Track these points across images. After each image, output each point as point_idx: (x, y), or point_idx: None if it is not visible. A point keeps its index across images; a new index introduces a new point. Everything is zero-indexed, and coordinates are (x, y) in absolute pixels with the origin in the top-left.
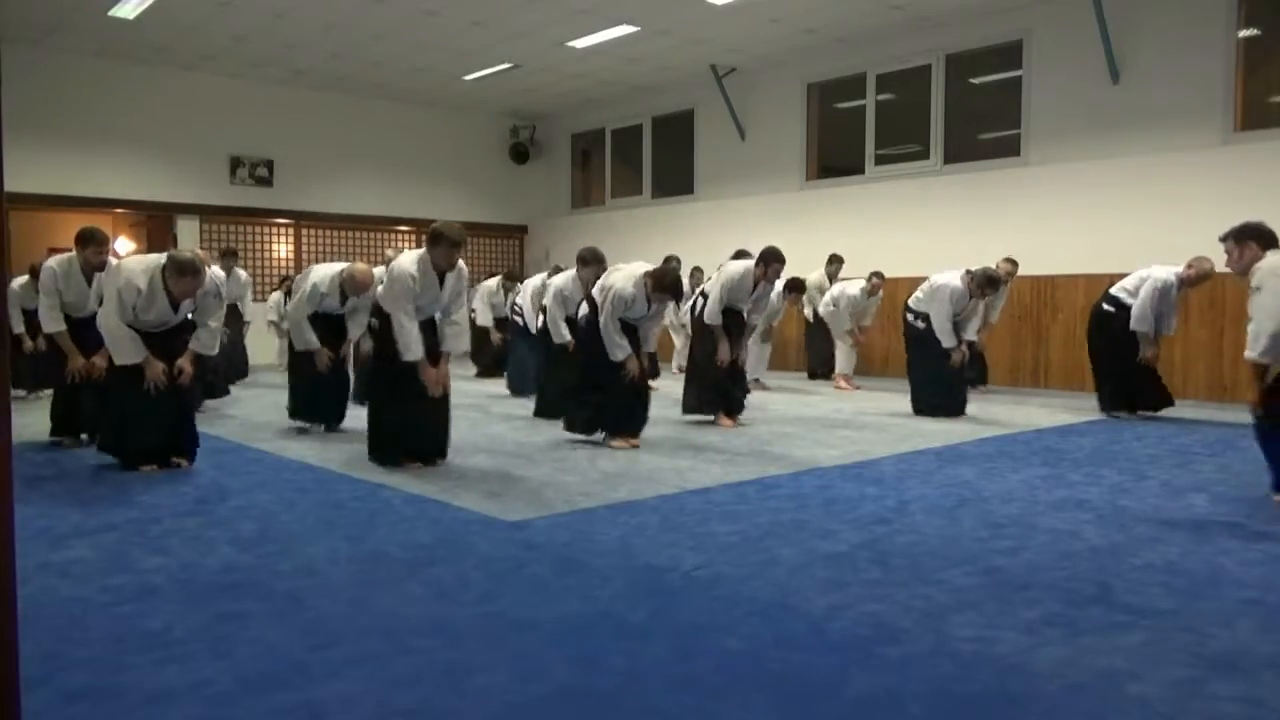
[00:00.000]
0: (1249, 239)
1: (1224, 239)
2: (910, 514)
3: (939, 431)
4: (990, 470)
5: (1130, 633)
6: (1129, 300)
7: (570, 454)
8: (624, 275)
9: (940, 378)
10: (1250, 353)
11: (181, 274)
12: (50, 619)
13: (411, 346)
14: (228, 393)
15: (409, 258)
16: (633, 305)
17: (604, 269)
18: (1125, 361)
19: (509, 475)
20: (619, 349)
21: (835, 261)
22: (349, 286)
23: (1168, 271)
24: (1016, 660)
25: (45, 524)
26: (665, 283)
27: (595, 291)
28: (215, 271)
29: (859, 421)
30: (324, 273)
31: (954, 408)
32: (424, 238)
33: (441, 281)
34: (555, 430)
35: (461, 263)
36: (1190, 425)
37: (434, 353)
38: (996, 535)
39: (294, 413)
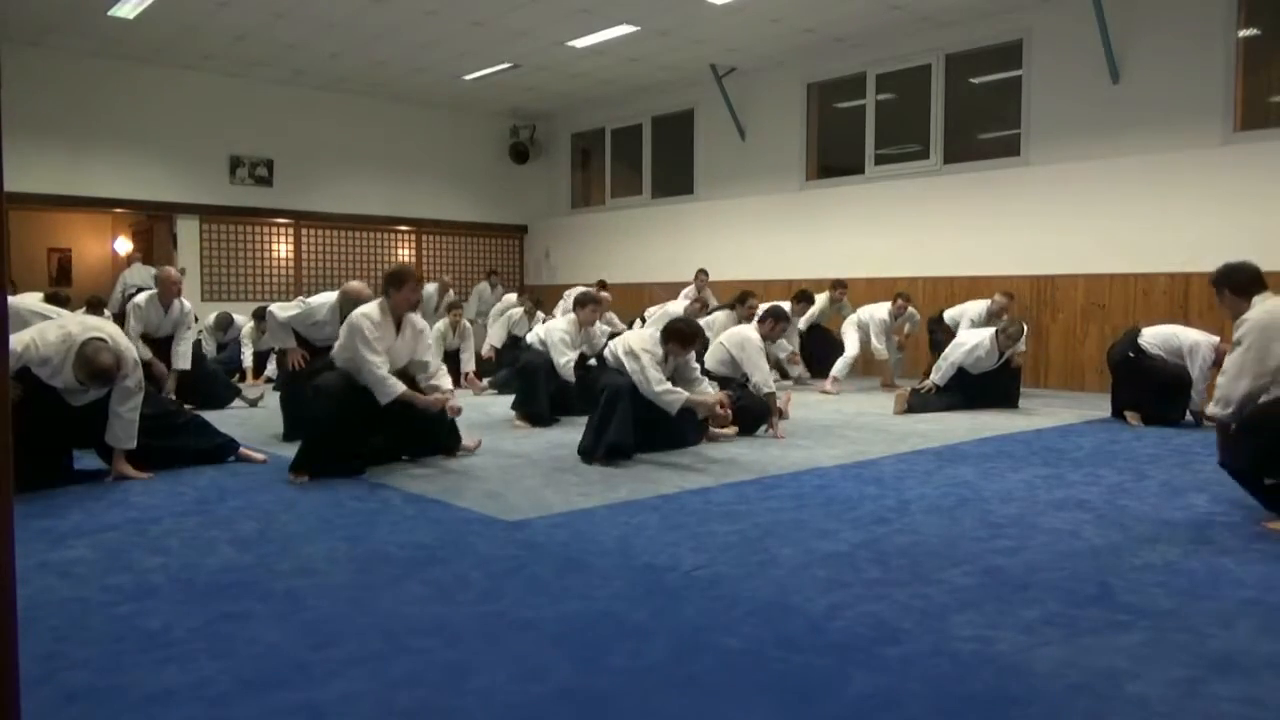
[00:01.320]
0: (1223, 286)
1: (1213, 283)
2: (910, 514)
3: (938, 431)
4: (990, 470)
5: (1130, 633)
6: (1155, 352)
7: (570, 454)
8: (638, 337)
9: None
10: (1217, 410)
11: (91, 378)
12: (50, 619)
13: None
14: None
15: (369, 306)
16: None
17: (602, 308)
18: (1147, 384)
19: (509, 475)
20: (672, 395)
21: (839, 287)
22: (350, 306)
23: (1206, 340)
24: (1016, 660)
25: (45, 524)
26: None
27: (615, 354)
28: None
29: (858, 422)
30: (321, 301)
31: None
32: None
33: (398, 329)
34: (555, 430)
35: (415, 315)
36: (1190, 425)
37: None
38: (996, 535)
39: (288, 436)
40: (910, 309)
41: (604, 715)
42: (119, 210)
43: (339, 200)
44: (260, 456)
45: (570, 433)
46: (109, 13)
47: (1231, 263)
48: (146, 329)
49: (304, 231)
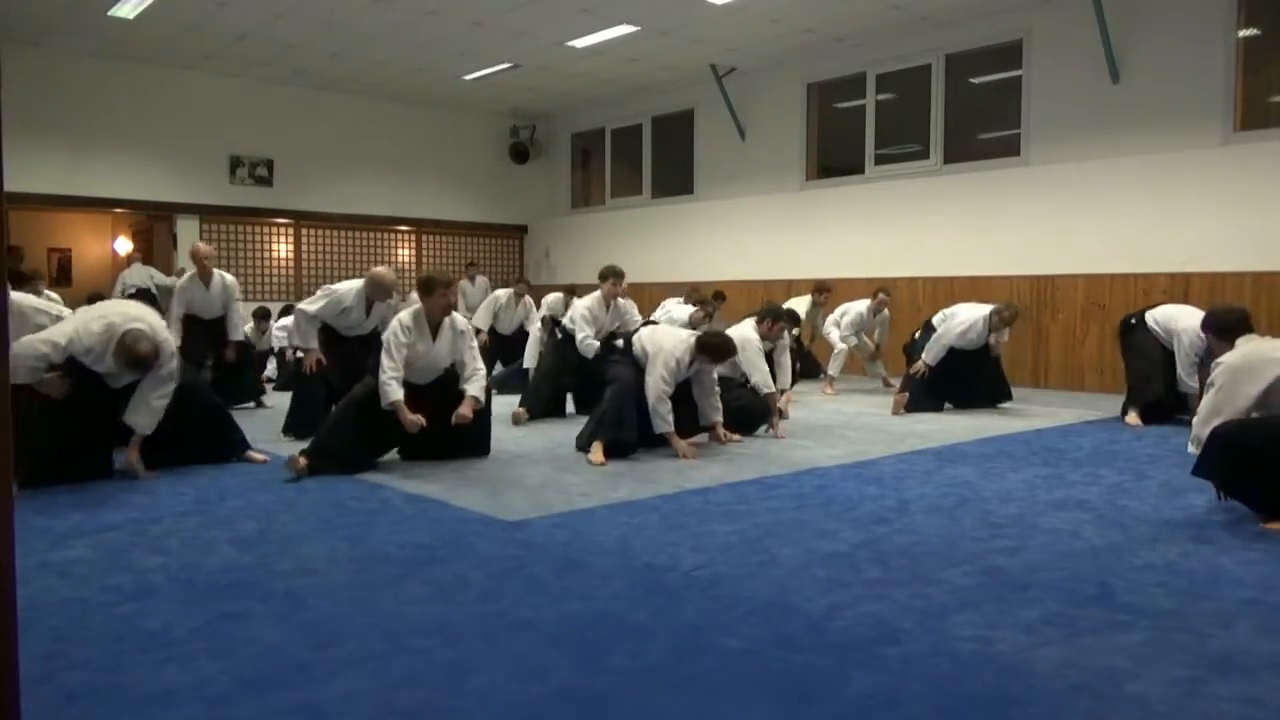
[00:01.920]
0: (1207, 329)
1: (1201, 325)
2: (910, 514)
3: (938, 432)
4: (990, 470)
5: (1130, 633)
6: (1155, 328)
7: (570, 454)
8: (671, 339)
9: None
10: (1192, 448)
11: (129, 365)
12: (50, 619)
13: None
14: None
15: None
16: (681, 371)
17: (622, 280)
18: (1138, 365)
19: (509, 475)
20: (662, 420)
21: (823, 291)
22: (374, 292)
23: (1195, 328)
24: (1016, 660)
25: (45, 524)
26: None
27: (641, 345)
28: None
29: (858, 422)
30: (347, 287)
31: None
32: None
33: (435, 334)
34: (555, 430)
35: (459, 316)
36: (1190, 425)
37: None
38: (996, 535)
39: (287, 428)
40: (886, 311)
41: (604, 715)
42: (119, 210)
43: (339, 200)
44: (261, 457)
45: (570, 432)
46: (109, 13)
47: (1218, 306)
48: (192, 310)
49: (304, 231)
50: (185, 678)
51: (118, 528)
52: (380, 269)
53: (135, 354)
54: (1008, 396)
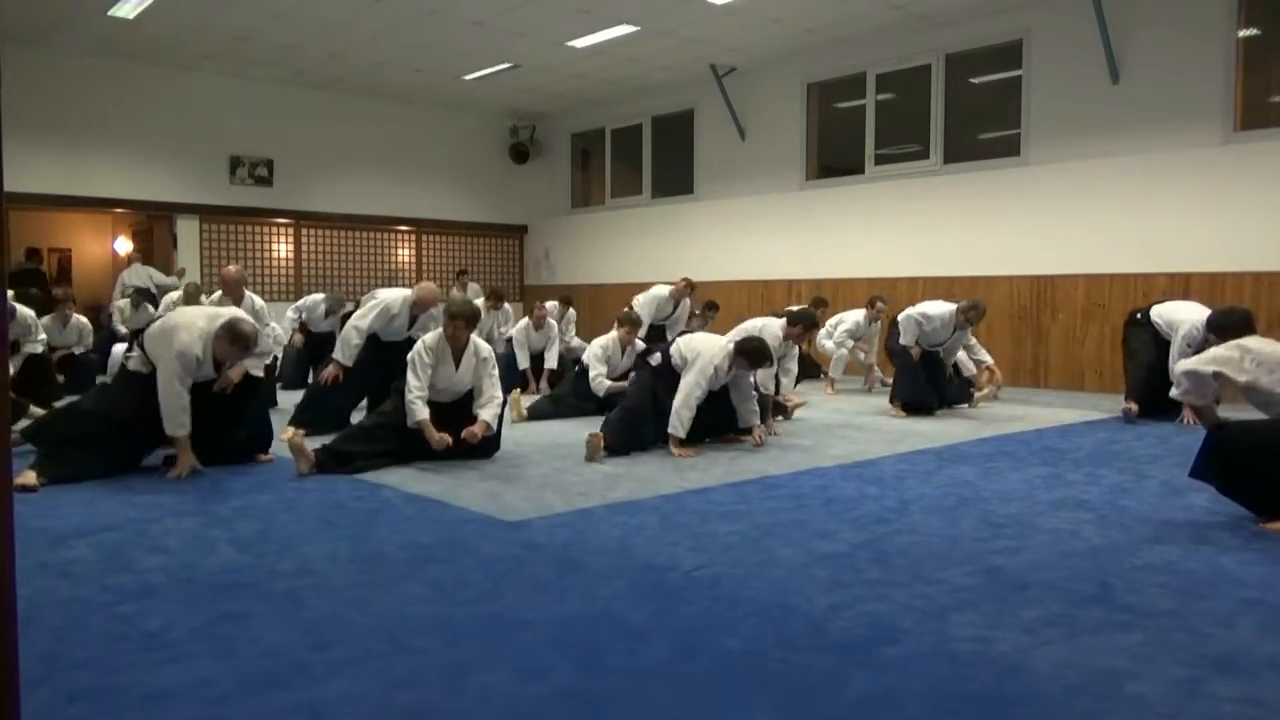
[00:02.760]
0: (1209, 330)
1: (1205, 325)
2: (910, 514)
3: (938, 431)
4: (990, 470)
5: (1130, 633)
6: (1158, 321)
7: (570, 454)
8: (710, 346)
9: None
10: (1174, 389)
11: (233, 342)
12: (50, 619)
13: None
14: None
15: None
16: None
17: (638, 329)
18: (1148, 365)
19: (509, 475)
20: (680, 424)
21: (819, 305)
22: (417, 306)
23: (1193, 320)
24: (1016, 660)
25: (45, 524)
26: (748, 349)
27: (680, 354)
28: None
29: (858, 422)
30: (394, 295)
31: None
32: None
33: (458, 361)
34: (555, 430)
35: (482, 343)
36: (1191, 424)
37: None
38: (996, 535)
39: (296, 421)
40: (880, 321)
41: (604, 715)
42: (119, 210)
43: (339, 200)
44: (267, 457)
45: (570, 432)
46: (109, 13)
47: (1222, 307)
48: None
49: (304, 231)
50: (185, 678)
51: (118, 528)
52: (426, 284)
53: (240, 332)
54: (969, 399)
